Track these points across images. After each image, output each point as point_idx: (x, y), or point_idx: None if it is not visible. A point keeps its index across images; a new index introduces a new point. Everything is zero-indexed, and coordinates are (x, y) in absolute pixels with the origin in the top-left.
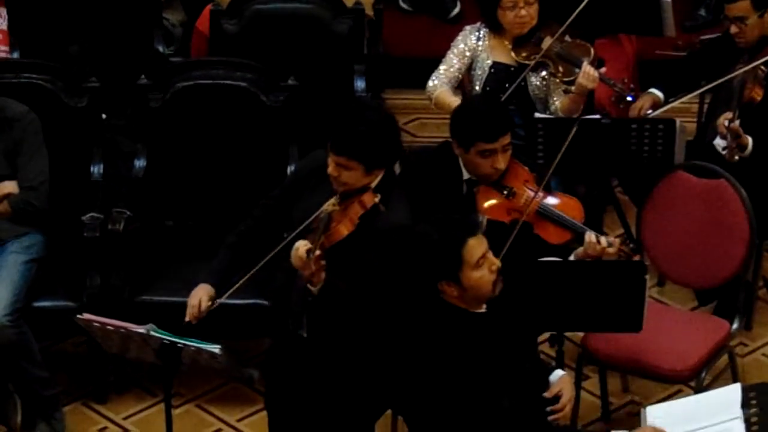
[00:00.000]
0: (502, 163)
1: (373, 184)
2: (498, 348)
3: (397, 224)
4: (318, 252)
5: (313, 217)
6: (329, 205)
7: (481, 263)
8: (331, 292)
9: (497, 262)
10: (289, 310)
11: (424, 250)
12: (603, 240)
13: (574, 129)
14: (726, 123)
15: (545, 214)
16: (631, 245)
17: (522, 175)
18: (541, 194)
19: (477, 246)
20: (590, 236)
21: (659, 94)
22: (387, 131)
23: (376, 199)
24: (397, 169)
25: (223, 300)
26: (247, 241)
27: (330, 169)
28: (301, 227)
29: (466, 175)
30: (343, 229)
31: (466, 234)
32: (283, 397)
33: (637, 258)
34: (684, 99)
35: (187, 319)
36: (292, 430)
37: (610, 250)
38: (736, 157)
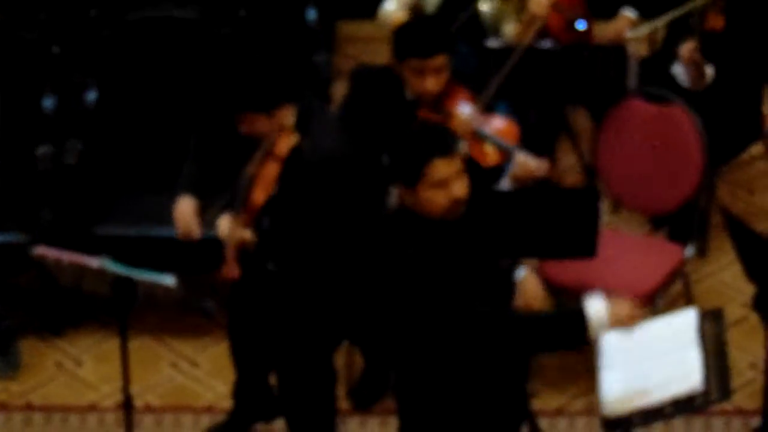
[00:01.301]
0: (430, 84)
1: (288, 122)
2: (465, 254)
3: (328, 152)
4: (237, 240)
5: (241, 186)
6: (249, 169)
7: (441, 186)
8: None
9: (459, 194)
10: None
11: (398, 147)
12: (532, 162)
13: (519, 54)
14: (688, 52)
15: (479, 136)
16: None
17: (460, 97)
18: (475, 115)
19: (442, 167)
20: (520, 157)
21: (632, 14)
22: (260, 71)
23: (293, 141)
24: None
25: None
26: (207, 146)
27: (241, 129)
28: (237, 197)
29: (410, 97)
30: (261, 194)
31: (438, 150)
32: (245, 328)
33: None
34: (659, 24)
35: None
36: (254, 360)
37: (539, 173)
38: (699, 87)
